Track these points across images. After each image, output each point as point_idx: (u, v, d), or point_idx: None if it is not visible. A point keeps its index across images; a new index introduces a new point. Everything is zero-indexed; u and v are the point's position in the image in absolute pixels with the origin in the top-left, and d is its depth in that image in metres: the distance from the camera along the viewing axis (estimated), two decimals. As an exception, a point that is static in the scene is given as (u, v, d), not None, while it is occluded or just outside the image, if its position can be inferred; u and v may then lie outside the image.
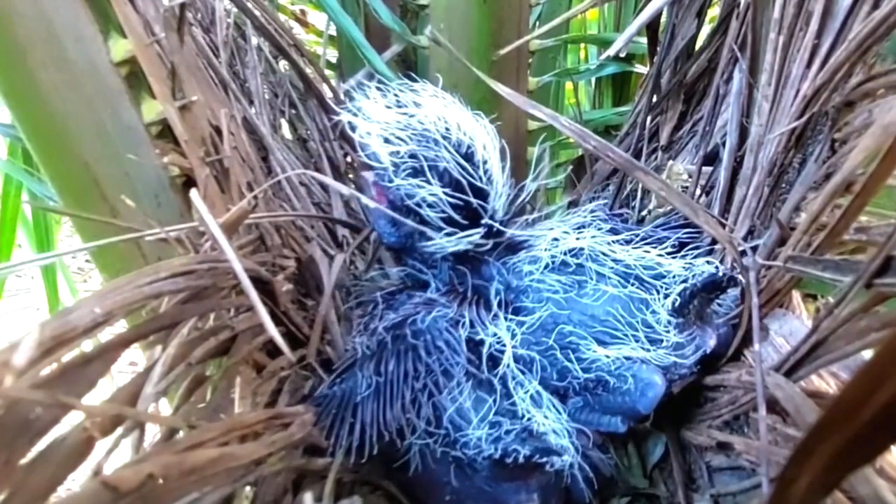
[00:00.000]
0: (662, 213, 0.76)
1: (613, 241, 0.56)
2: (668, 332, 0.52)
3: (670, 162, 0.81)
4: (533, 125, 1.11)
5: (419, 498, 0.54)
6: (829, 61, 0.55)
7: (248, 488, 0.43)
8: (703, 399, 0.60)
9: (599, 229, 0.58)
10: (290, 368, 0.53)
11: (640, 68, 1.15)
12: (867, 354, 0.41)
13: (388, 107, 0.53)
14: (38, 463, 0.29)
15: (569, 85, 1.33)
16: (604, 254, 0.54)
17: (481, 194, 0.54)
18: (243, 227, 0.60)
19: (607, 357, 0.50)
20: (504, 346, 0.51)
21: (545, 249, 0.55)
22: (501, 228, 0.56)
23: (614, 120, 1.16)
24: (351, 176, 0.93)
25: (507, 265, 0.56)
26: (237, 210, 0.49)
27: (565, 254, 0.54)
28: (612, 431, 0.51)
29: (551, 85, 1.21)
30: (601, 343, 0.51)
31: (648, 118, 0.89)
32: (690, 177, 0.76)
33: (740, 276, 0.54)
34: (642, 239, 0.58)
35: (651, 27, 0.92)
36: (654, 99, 0.89)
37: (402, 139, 0.52)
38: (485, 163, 0.54)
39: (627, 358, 0.51)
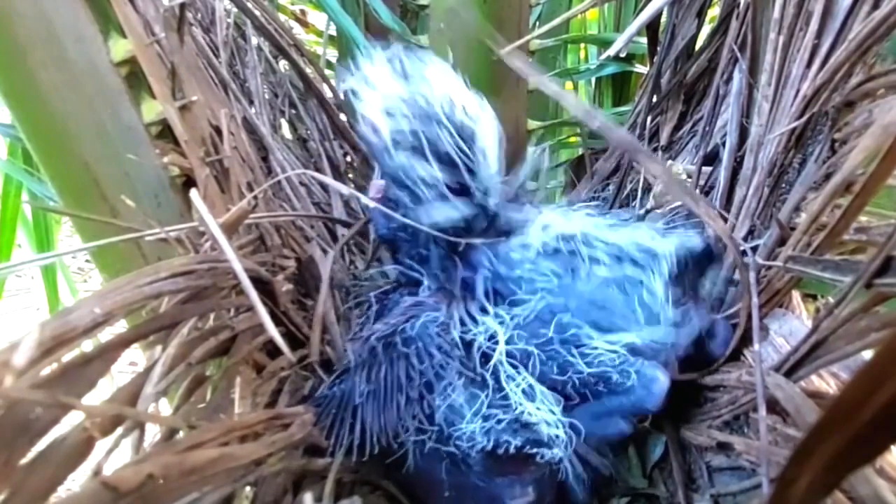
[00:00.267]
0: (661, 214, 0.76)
1: (604, 224, 0.56)
2: (665, 308, 0.52)
3: (670, 162, 0.81)
4: (533, 124, 1.11)
5: (418, 497, 0.54)
6: (829, 61, 0.55)
7: (248, 488, 0.43)
8: (703, 399, 0.60)
9: (590, 215, 0.57)
10: (290, 368, 0.53)
11: (640, 68, 1.15)
12: (867, 355, 0.41)
13: (394, 77, 0.52)
14: (38, 463, 0.29)
15: (569, 85, 1.33)
16: (595, 237, 0.54)
17: (477, 178, 0.53)
18: (243, 227, 0.60)
19: (609, 349, 0.50)
20: (497, 341, 0.50)
21: (536, 235, 0.54)
22: (492, 208, 0.54)
23: (614, 120, 1.16)
24: (351, 176, 0.93)
25: (498, 253, 0.54)
26: (237, 210, 0.49)
27: (557, 239, 0.53)
28: (618, 434, 0.51)
29: (551, 85, 1.21)
30: (601, 329, 0.50)
31: (648, 118, 0.89)
32: (690, 177, 0.76)
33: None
34: (633, 220, 0.58)
35: (651, 27, 0.92)
36: (654, 99, 0.89)
37: (404, 114, 0.51)
38: (484, 148, 0.53)
39: (631, 350, 0.50)
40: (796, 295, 0.60)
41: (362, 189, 0.61)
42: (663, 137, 0.88)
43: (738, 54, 0.69)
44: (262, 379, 0.51)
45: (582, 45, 1.42)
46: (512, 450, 0.47)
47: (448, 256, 0.55)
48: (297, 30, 1.34)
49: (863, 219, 0.47)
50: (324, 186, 0.83)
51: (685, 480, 0.56)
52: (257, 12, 0.83)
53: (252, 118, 0.76)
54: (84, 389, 0.32)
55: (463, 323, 0.52)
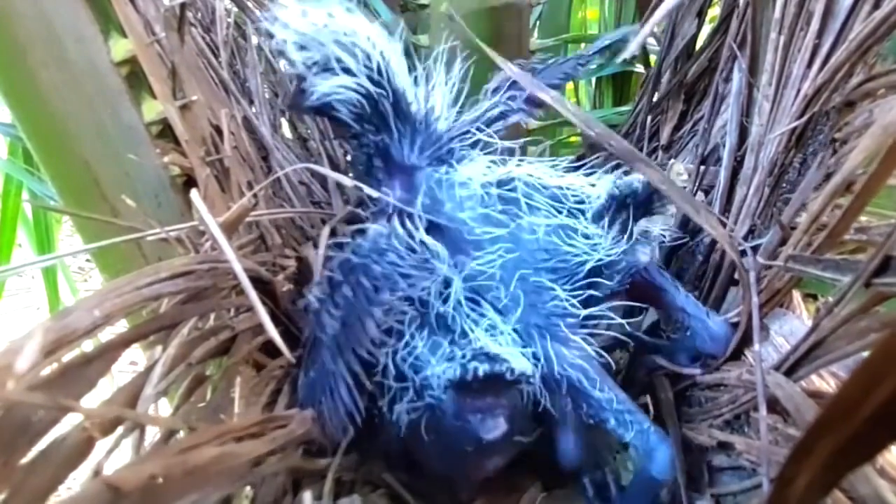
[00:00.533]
0: None
1: (542, 170, 0.57)
2: (604, 238, 0.54)
3: (671, 161, 0.81)
4: (533, 124, 1.11)
5: (416, 481, 0.55)
6: (830, 61, 0.55)
7: (247, 488, 0.43)
8: (703, 398, 0.60)
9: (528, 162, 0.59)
10: (289, 368, 0.53)
11: (641, 68, 1.15)
12: (867, 354, 0.41)
13: (303, 16, 0.55)
14: (38, 463, 0.29)
15: (569, 85, 1.33)
16: (534, 184, 0.55)
17: (394, 101, 0.56)
18: (244, 226, 0.60)
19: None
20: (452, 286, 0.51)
21: (477, 173, 0.55)
22: (397, 88, 0.56)
23: (614, 120, 1.16)
24: (351, 175, 0.93)
25: (441, 182, 0.56)
26: (237, 209, 0.49)
27: (497, 183, 0.55)
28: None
29: (551, 84, 1.21)
30: (553, 273, 0.52)
31: (649, 118, 0.89)
32: (691, 176, 0.76)
33: (666, 193, 0.56)
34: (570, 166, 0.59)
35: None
36: (655, 99, 0.89)
37: (315, 45, 0.54)
38: (391, 72, 0.56)
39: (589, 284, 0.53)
40: (796, 295, 0.60)
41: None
42: (663, 137, 0.88)
43: (738, 54, 0.69)
44: (261, 378, 0.51)
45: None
46: (480, 374, 0.46)
47: (384, 169, 0.57)
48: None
49: (863, 219, 0.47)
50: (324, 186, 0.83)
51: (685, 480, 0.56)
52: (257, 12, 0.83)
53: (252, 118, 0.76)
54: (84, 389, 0.32)
55: (410, 244, 0.52)
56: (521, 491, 0.58)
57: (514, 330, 0.52)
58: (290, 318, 0.56)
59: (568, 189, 0.56)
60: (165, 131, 0.64)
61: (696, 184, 0.74)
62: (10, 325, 1.73)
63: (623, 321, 0.57)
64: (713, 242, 0.68)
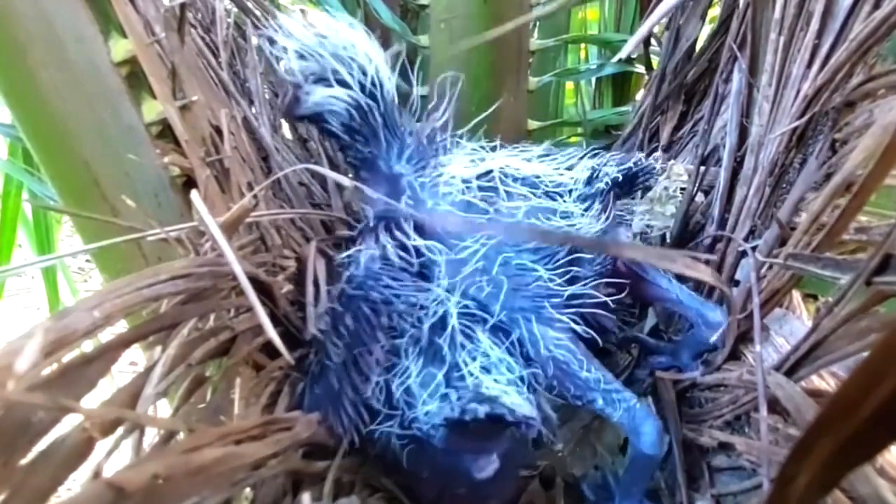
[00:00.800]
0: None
1: (518, 158, 0.58)
2: (583, 218, 0.55)
3: (671, 162, 0.81)
4: (533, 125, 1.12)
5: (414, 490, 0.55)
6: (830, 61, 0.55)
7: (247, 490, 0.43)
8: (704, 399, 0.60)
9: (503, 152, 0.60)
10: (289, 369, 0.53)
11: (641, 68, 1.15)
12: (867, 354, 0.41)
13: (306, 27, 0.58)
14: (38, 463, 0.29)
15: (569, 85, 1.33)
16: (511, 173, 0.56)
17: (384, 114, 0.58)
18: (244, 226, 0.60)
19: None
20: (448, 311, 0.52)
21: (458, 170, 0.56)
22: (386, 99, 0.58)
23: (614, 120, 1.16)
24: (350, 175, 0.92)
25: (424, 185, 0.57)
26: (237, 209, 0.49)
27: (477, 176, 0.56)
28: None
29: (551, 85, 1.21)
30: (536, 254, 0.53)
31: (649, 118, 0.89)
32: (691, 177, 0.76)
33: (652, 170, 0.57)
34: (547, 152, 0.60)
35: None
36: (655, 99, 0.89)
37: (314, 56, 0.57)
38: (384, 86, 0.58)
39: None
40: (796, 295, 0.60)
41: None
42: (663, 137, 0.88)
43: (738, 54, 0.69)
44: (261, 379, 0.51)
45: (582, 45, 1.42)
46: (481, 416, 0.46)
47: (371, 180, 0.58)
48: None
49: (863, 218, 0.47)
50: (323, 186, 0.83)
51: (686, 480, 0.56)
52: (257, 12, 0.83)
53: (252, 119, 0.76)
54: (84, 390, 0.32)
55: (404, 258, 0.53)
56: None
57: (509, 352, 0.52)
58: (290, 319, 0.56)
59: (544, 175, 0.57)
60: (165, 131, 0.64)
61: (696, 184, 0.74)
62: (10, 325, 1.73)
63: (601, 308, 0.56)
64: (713, 243, 0.68)
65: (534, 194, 0.55)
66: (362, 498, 0.53)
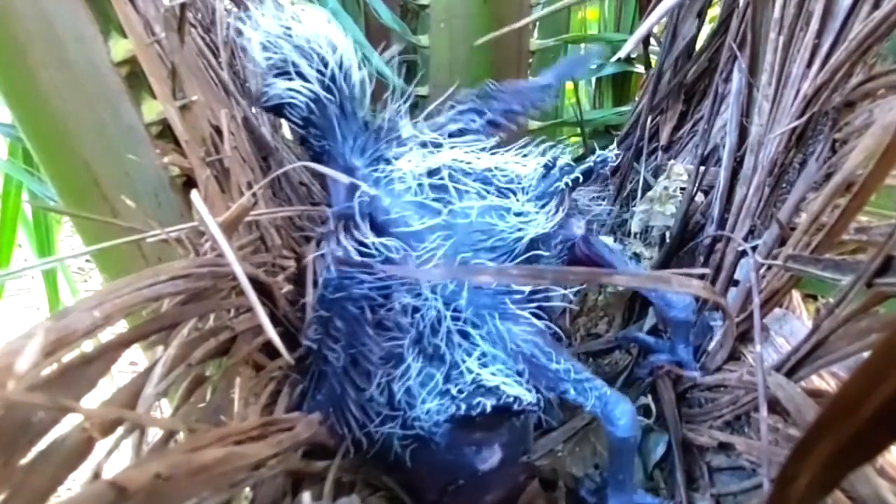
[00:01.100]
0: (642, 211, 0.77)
1: (470, 153, 0.58)
2: (538, 213, 0.55)
3: (671, 162, 0.81)
4: (533, 125, 1.11)
5: (416, 488, 0.55)
6: (830, 61, 0.55)
7: (247, 490, 0.43)
8: (704, 399, 0.60)
9: (454, 146, 0.60)
10: (289, 369, 0.53)
11: (641, 68, 1.15)
12: (868, 354, 0.41)
13: (273, 18, 0.60)
14: (38, 463, 0.29)
15: (569, 85, 1.33)
16: (462, 169, 0.56)
17: (341, 107, 0.60)
18: (244, 226, 0.60)
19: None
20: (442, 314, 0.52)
21: (408, 167, 0.57)
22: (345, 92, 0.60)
23: (614, 120, 1.16)
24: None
25: (378, 179, 0.57)
26: (237, 208, 0.49)
27: (428, 175, 0.56)
28: None
29: (551, 85, 1.21)
30: (489, 251, 0.53)
31: (649, 118, 0.89)
32: (690, 177, 0.76)
33: (606, 160, 0.57)
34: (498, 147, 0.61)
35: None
36: (655, 99, 0.89)
37: (277, 47, 0.59)
38: (345, 79, 0.60)
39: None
40: (796, 295, 0.60)
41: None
42: (663, 137, 0.88)
43: (738, 54, 0.69)
44: (261, 379, 0.51)
45: (582, 45, 1.42)
46: (489, 410, 0.46)
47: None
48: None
49: (863, 219, 0.47)
50: (323, 186, 0.83)
51: (686, 480, 0.56)
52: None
53: (252, 118, 0.76)
54: (84, 390, 0.32)
55: (364, 246, 0.53)
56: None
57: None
58: (290, 319, 0.56)
59: (497, 169, 0.57)
60: (165, 131, 0.64)
61: (696, 184, 0.74)
62: (10, 325, 1.73)
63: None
64: (713, 243, 0.68)
65: (487, 192, 0.55)
66: (362, 497, 0.53)
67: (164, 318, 0.41)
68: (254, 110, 0.78)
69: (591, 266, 0.59)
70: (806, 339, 0.47)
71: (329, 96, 0.59)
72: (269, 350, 0.53)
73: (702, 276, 0.61)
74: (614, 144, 0.63)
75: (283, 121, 0.91)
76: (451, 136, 0.62)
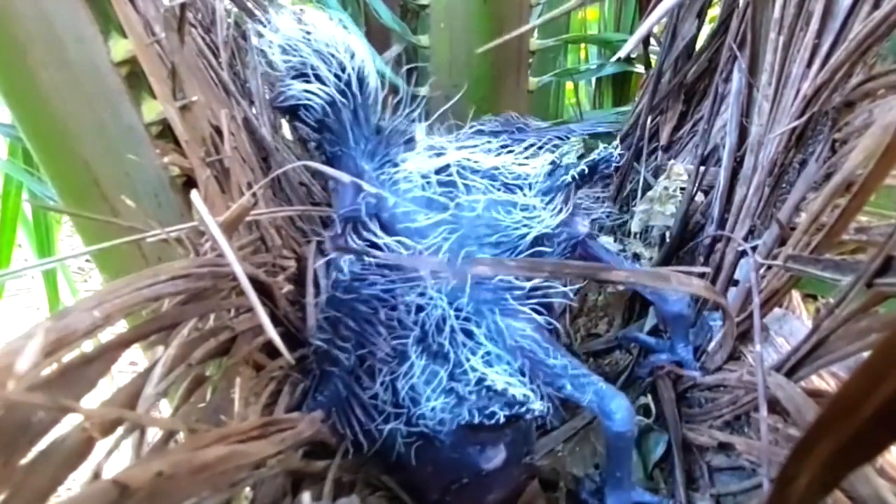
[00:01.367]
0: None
1: (477, 151, 0.59)
2: (544, 210, 0.55)
3: (671, 162, 0.81)
4: (533, 125, 1.11)
5: (417, 488, 0.55)
6: (830, 61, 0.55)
7: (247, 489, 0.43)
8: (704, 399, 0.60)
9: (462, 145, 0.61)
10: (289, 369, 0.53)
11: (640, 68, 1.15)
12: (868, 354, 0.41)
13: (293, 22, 0.61)
14: (38, 463, 0.29)
15: (569, 85, 1.33)
16: (469, 167, 0.57)
17: (354, 112, 0.61)
18: (244, 226, 0.60)
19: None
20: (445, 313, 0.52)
21: (416, 166, 0.57)
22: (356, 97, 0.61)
23: (614, 120, 1.16)
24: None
25: (384, 181, 0.58)
26: (237, 208, 0.49)
27: (436, 173, 0.57)
28: None
29: (551, 85, 1.21)
30: (495, 247, 0.53)
31: (648, 118, 0.89)
32: (690, 177, 0.76)
33: (611, 157, 0.58)
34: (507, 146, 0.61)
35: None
36: (655, 99, 0.89)
37: (296, 51, 0.60)
38: (361, 84, 0.61)
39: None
40: (796, 295, 0.60)
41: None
42: (663, 137, 0.88)
43: (738, 54, 0.69)
44: (261, 379, 0.51)
45: (582, 45, 1.42)
46: (502, 421, 0.47)
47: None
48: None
49: (863, 219, 0.47)
50: (323, 186, 0.83)
51: (685, 479, 0.56)
52: (257, 12, 0.83)
53: (252, 119, 0.76)
54: (84, 390, 0.32)
55: (374, 246, 0.53)
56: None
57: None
58: (290, 319, 0.56)
59: (503, 167, 0.57)
60: (165, 131, 0.64)
61: (696, 184, 0.74)
62: (10, 325, 1.73)
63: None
64: (713, 243, 0.68)
65: (493, 187, 0.56)
66: (362, 497, 0.53)
67: (164, 318, 0.41)
68: (253, 110, 0.78)
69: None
70: (806, 339, 0.47)
71: (344, 100, 0.60)
72: (270, 350, 0.53)
73: (702, 275, 0.61)
74: (616, 141, 0.63)
75: (283, 121, 0.92)
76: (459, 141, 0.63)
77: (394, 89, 0.74)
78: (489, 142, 0.61)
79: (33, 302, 1.87)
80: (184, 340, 0.43)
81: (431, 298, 0.51)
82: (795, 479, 0.24)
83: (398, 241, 0.53)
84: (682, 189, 0.77)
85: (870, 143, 0.45)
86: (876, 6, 0.52)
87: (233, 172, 0.63)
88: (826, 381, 0.49)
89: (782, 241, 0.55)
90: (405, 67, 0.94)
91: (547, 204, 0.56)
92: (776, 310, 0.56)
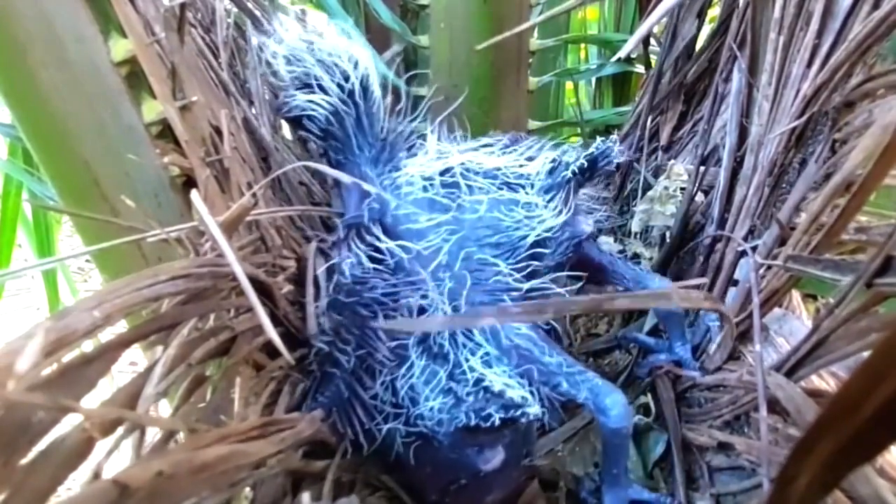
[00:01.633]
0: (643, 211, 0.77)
1: (479, 152, 0.60)
2: (545, 210, 0.56)
3: (671, 162, 0.81)
4: (534, 125, 1.11)
5: (415, 485, 0.55)
6: (830, 61, 0.55)
7: (247, 489, 0.43)
8: (704, 399, 0.60)
9: (464, 148, 0.62)
10: (289, 369, 0.53)
11: (640, 68, 1.15)
12: (868, 354, 0.41)
13: (297, 32, 0.62)
14: (38, 463, 0.29)
15: (569, 85, 1.33)
16: (472, 167, 0.58)
17: (357, 121, 0.62)
18: (244, 226, 0.60)
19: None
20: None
21: (419, 169, 0.58)
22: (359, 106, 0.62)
23: (614, 120, 1.16)
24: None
25: (387, 186, 0.59)
26: (237, 208, 0.49)
27: (441, 174, 0.57)
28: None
29: (551, 85, 1.21)
30: (496, 248, 0.54)
31: (649, 118, 0.89)
32: (690, 177, 0.76)
33: (611, 153, 0.58)
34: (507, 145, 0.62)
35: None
36: (655, 99, 0.89)
37: (300, 61, 0.61)
38: (364, 93, 0.62)
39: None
40: (796, 295, 0.60)
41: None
42: (663, 137, 0.88)
43: (738, 54, 0.69)
44: (261, 379, 0.51)
45: (582, 45, 1.42)
46: (497, 423, 0.47)
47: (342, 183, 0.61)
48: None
49: (862, 219, 0.47)
50: (323, 186, 0.83)
51: (685, 479, 0.56)
52: (257, 12, 0.83)
53: (252, 119, 0.76)
54: (84, 390, 0.32)
55: (377, 251, 0.54)
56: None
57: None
58: (290, 319, 0.56)
59: (506, 167, 0.58)
60: (165, 131, 0.64)
61: (696, 184, 0.74)
62: (10, 325, 1.73)
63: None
64: (713, 243, 0.68)
65: (495, 186, 0.56)
66: (362, 497, 0.53)
67: (164, 318, 0.41)
68: (253, 110, 0.78)
69: (588, 269, 0.60)
70: (806, 339, 0.47)
71: (347, 109, 0.61)
72: (270, 350, 0.53)
73: (699, 287, 0.61)
74: (615, 135, 0.63)
75: (283, 121, 0.92)
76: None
77: (394, 90, 0.74)
78: (490, 144, 0.61)
79: (33, 302, 1.87)
80: (184, 340, 0.43)
81: (432, 301, 0.51)
82: (795, 479, 0.24)
83: (400, 246, 0.53)
84: (682, 189, 0.77)
85: (869, 143, 0.45)
86: (876, 6, 0.52)
87: (233, 172, 0.63)
88: (826, 381, 0.49)
89: (782, 241, 0.55)
90: (406, 73, 0.94)
91: (548, 202, 0.56)
92: (776, 310, 0.56)
